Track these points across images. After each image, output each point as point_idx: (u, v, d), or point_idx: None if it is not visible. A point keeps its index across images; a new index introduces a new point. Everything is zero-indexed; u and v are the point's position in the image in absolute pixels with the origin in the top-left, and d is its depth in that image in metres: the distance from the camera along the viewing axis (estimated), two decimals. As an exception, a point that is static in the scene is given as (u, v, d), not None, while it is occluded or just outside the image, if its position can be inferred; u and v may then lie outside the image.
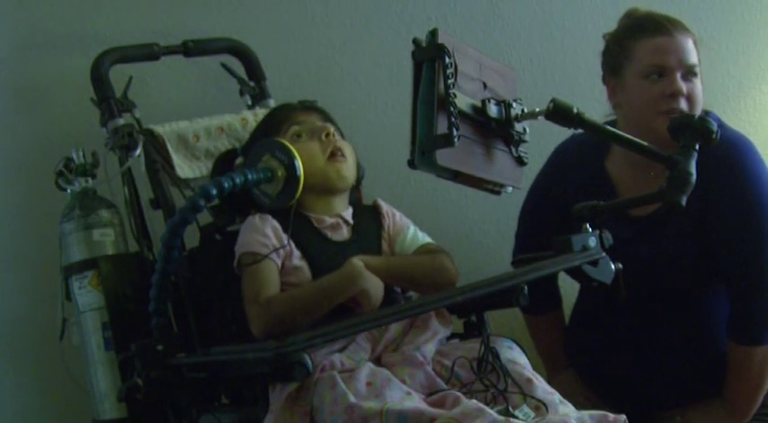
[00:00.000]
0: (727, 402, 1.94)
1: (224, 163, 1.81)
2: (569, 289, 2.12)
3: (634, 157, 1.89)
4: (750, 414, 1.94)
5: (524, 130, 1.60)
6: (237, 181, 1.56)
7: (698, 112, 1.85)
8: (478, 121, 1.53)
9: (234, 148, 1.84)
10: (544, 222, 2.04)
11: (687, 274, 1.92)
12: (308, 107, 1.79)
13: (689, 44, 1.86)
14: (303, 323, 1.46)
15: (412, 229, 1.73)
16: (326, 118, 1.77)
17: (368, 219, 1.73)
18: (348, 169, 1.70)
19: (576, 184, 2.00)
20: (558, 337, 2.15)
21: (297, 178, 1.61)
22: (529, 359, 1.56)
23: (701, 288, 1.94)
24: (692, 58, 1.85)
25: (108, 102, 1.91)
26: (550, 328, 2.15)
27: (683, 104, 1.83)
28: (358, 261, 1.55)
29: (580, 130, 1.61)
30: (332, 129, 1.70)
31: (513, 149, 1.60)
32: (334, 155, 1.68)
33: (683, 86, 1.83)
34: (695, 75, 1.86)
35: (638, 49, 1.86)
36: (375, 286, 1.54)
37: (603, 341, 2.03)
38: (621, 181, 1.96)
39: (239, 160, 1.73)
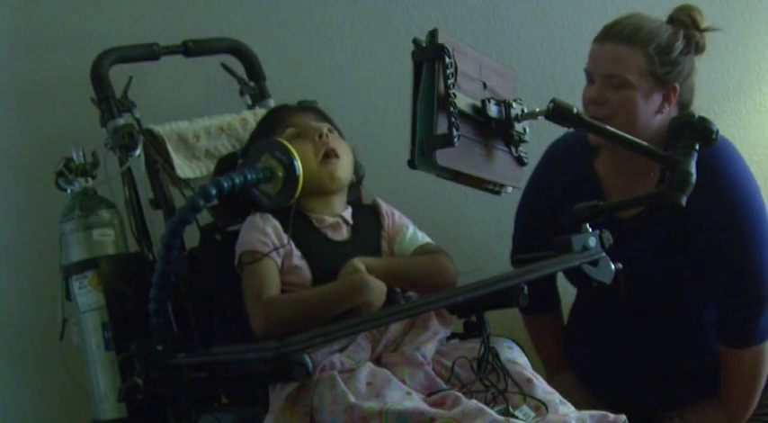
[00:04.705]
0: (724, 403, 1.94)
1: (225, 166, 1.80)
2: (568, 289, 2.12)
3: (619, 160, 1.89)
4: (747, 414, 1.94)
5: (524, 130, 1.60)
6: (237, 181, 1.56)
7: (619, 120, 1.77)
8: (478, 121, 1.53)
9: (236, 151, 1.84)
10: (535, 220, 2.04)
11: (671, 277, 1.91)
12: (305, 108, 1.78)
13: (617, 54, 1.80)
14: (304, 327, 1.46)
15: (411, 228, 1.73)
16: (322, 117, 1.77)
17: (367, 218, 1.73)
18: (342, 169, 1.69)
19: (565, 183, 1.99)
20: (557, 338, 2.15)
21: (296, 178, 1.61)
22: (529, 359, 1.56)
23: (688, 290, 1.93)
24: (611, 68, 1.80)
25: (108, 102, 1.91)
26: (549, 329, 2.15)
27: (603, 111, 1.81)
28: (359, 264, 1.55)
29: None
30: (325, 129, 1.69)
31: (513, 149, 1.60)
32: (328, 156, 1.67)
33: (595, 93, 1.82)
34: (618, 85, 1.80)
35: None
36: (379, 296, 1.52)
37: (601, 342, 2.03)
38: (608, 181, 1.95)
39: (240, 163, 1.73)
